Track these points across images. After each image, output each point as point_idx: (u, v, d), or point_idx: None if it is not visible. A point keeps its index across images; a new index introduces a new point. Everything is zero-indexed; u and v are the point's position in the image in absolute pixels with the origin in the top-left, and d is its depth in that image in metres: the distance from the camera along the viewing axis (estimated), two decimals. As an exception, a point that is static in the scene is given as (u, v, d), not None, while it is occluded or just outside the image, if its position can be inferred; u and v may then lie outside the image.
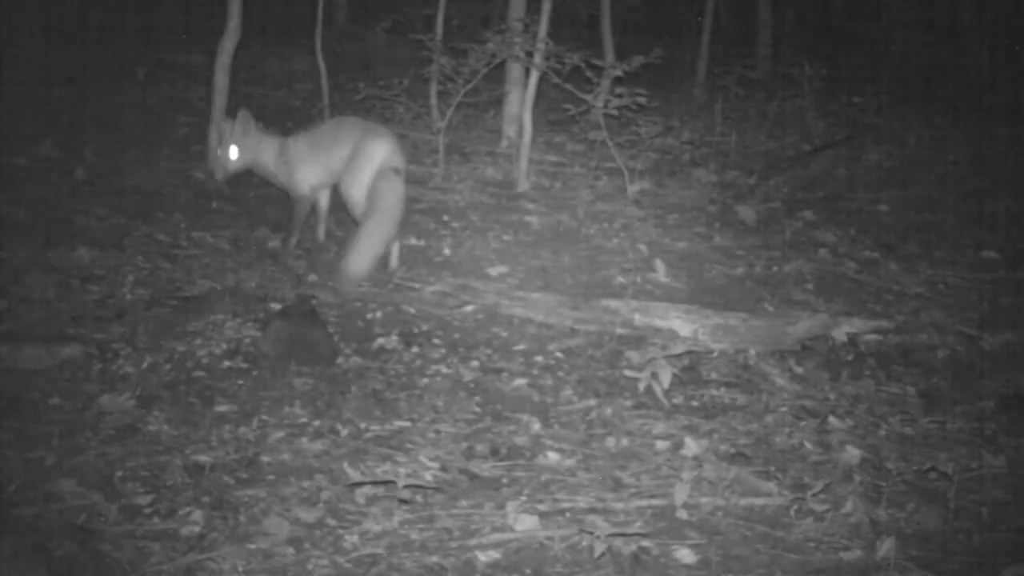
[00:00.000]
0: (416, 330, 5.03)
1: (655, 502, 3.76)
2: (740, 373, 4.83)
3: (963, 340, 5.29)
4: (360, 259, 5.31)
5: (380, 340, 4.87)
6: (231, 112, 6.22)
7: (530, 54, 7.02)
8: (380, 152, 5.46)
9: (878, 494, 3.85)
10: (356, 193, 5.46)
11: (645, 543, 3.51)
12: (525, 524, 3.56)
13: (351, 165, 5.46)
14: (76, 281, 5.15)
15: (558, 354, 4.89)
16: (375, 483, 3.68)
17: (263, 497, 3.61)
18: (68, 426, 3.94)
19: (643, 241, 6.26)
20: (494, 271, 5.69)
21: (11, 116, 7.04)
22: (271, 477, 3.75)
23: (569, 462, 4.02)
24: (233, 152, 5.63)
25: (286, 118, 7.62)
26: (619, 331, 5.04)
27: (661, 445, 4.15)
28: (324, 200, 5.82)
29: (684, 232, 6.50)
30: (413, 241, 5.69)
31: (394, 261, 5.63)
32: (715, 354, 4.97)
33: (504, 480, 3.87)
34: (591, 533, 3.43)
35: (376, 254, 5.37)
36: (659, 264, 5.84)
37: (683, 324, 5.02)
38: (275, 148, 5.68)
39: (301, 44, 8.94)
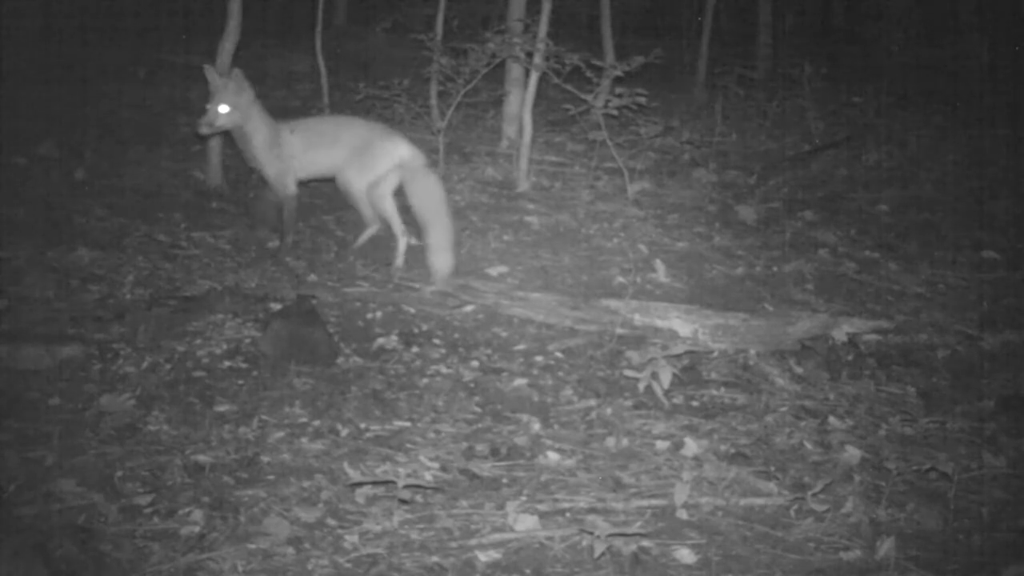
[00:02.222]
0: (416, 330, 5.03)
1: (655, 502, 3.76)
2: (740, 373, 4.83)
3: (963, 340, 5.29)
4: (444, 259, 5.46)
5: (380, 340, 4.87)
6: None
7: (530, 54, 7.02)
8: (398, 153, 5.57)
9: (878, 494, 3.85)
10: (358, 186, 5.57)
11: (645, 543, 3.51)
12: (525, 524, 3.56)
13: (360, 160, 5.53)
14: (76, 281, 5.15)
15: (558, 354, 4.89)
16: (375, 483, 3.68)
17: (263, 497, 3.61)
18: (68, 426, 3.94)
19: (643, 241, 6.27)
20: (494, 271, 5.70)
21: (11, 116, 7.04)
22: (271, 477, 3.75)
23: (569, 462, 4.02)
24: (223, 108, 5.40)
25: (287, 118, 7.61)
26: (619, 331, 5.04)
27: (661, 445, 4.15)
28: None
29: (684, 232, 6.50)
30: (414, 241, 5.70)
31: (400, 259, 5.67)
32: (715, 354, 4.97)
33: (504, 480, 3.87)
34: (591, 533, 3.43)
35: (453, 248, 5.53)
36: (659, 264, 5.84)
37: (683, 324, 5.02)
38: (267, 128, 5.53)
39: (301, 44, 8.94)
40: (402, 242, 5.68)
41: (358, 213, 5.75)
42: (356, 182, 5.57)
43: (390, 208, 5.67)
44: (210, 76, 5.44)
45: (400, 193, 5.68)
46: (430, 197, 5.53)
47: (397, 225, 5.68)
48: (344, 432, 4.09)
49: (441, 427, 4.19)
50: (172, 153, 7.10)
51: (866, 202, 7.34)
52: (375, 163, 5.55)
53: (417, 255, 5.81)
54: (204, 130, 5.49)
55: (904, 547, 3.55)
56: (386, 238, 5.81)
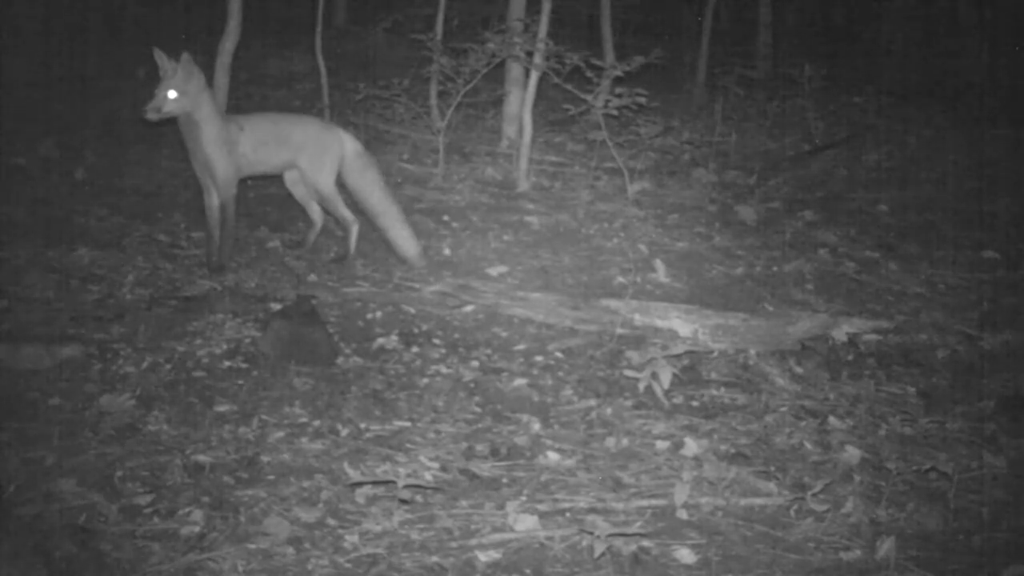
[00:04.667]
0: (416, 330, 5.03)
1: (655, 502, 3.75)
2: (740, 373, 4.83)
3: (963, 340, 5.29)
4: (409, 245, 5.71)
5: (380, 340, 4.87)
6: (232, 110, 6.30)
7: (530, 54, 7.03)
8: (345, 143, 5.64)
9: (878, 494, 3.85)
10: (327, 184, 5.59)
11: (645, 543, 3.51)
12: (525, 524, 3.56)
13: (321, 159, 5.54)
14: (76, 281, 5.15)
15: (558, 354, 4.89)
16: (375, 483, 3.68)
17: (263, 497, 3.61)
18: (68, 426, 3.94)
19: (643, 241, 6.27)
20: (494, 271, 5.70)
21: (11, 116, 7.05)
22: (271, 477, 3.75)
23: (569, 462, 4.01)
24: (172, 93, 5.10)
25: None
26: (619, 331, 5.04)
27: (661, 445, 4.14)
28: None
29: (684, 232, 6.50)
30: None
31: (353, 247, 5.74)
32: (715, 354, 4.97)
33: (504, 480, 3.87)
34: (591, 533, 3.43)
35: (409, 229, 5.74)
36: (659, 264, 5.84)
37: (683, 324, 5.02)
38: (217, 120, 5.28)
39: (301, 44, 8.95)
40: (354, 229, 5.71)
41: (335, 215, 5.72)
42: (326, 183, 5.57)
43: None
44: (160, 60, 5.15)
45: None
46: (376, 182, 5.70)
47: (347, 213, 5.71)
48: (344, 432, 4.09)
49: (441, 427, 4.19)
50: (172, 153, 7.09)
51: (866, 202, 7.34)
52: (332, 160, 5.58)
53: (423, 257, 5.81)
54: (151, 115, 5.15)
55: (904, 547, 3.55)
56: (378, 239, 5.80)
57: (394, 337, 4.91)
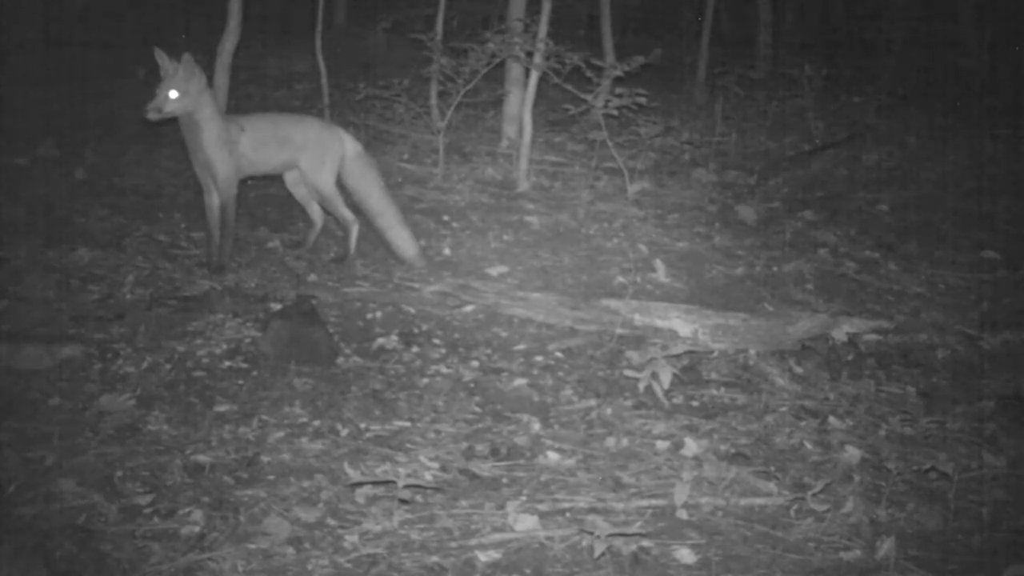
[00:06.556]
0: (416, 330, 5.03)
1: (655, 502, 3.75)
2: (740, 373, 4.83)
3: (963, 340, 5.29)
4: (407, 246, 5.73)
5: (380, 340, 4.87)
6: (232, 110, 6.30)
7: (530, 54, 7.03)
8: (346, 143, 5.65)
9: (878, 494, 3.85)
10: (327, 184, 5.59)
11: (645, 543, 3.51)
12: (525, 524, 3.56)
13: (321, 159, 5.54)
14: (76, 281, 5.15)
15: (558, 354, 4.89)
16: (375, 483, 3.68)
17: (263, 497, 3.61)
18: (68, 426, 3.94)
19: (643, 241, 6.27)
20: (494, 271, 5.70)
21: (11, 116, 7.05)
22: (271, 477, 3.75)
23: (569, 462, 4.01)
24: (173, 93, 5.10)
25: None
26: (619, 331, 5.04)
27: (661, 445, 4.15)
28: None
29: (684, 232, 6.50)
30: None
31: (353, 247, 5.74)
32: (715, 354, 4.97)
33: (504, 480, 3.87)
34: (591, 533, 3.43)
35: (408, 230, 5.76)
36: (659, 264, 5.84)
37: (683, 324, 5.02)
38: (217, 121, 5.27)
39: (301, 44, 8.95)
40: (355, 229, 5.71)
41: (335, 215, 5.71)
42: (326, 183, 5.57)
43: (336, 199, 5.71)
44: (161, 60, 5.15)
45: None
46: (375, 183, 5.72)
47: (347, 213, 5.71)
48: (344, 432, 4.09)
49: (441, 427, 4.19)
50: (172, 153, 7.10)
51: (866, 202, 7.34)
52: (332, 160, 5.57)
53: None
54: (152, 115, 5.16)
55: (904, 547, 3.55)
56: (377, 239, 5.80)
57: (394, 337, 4.91)
